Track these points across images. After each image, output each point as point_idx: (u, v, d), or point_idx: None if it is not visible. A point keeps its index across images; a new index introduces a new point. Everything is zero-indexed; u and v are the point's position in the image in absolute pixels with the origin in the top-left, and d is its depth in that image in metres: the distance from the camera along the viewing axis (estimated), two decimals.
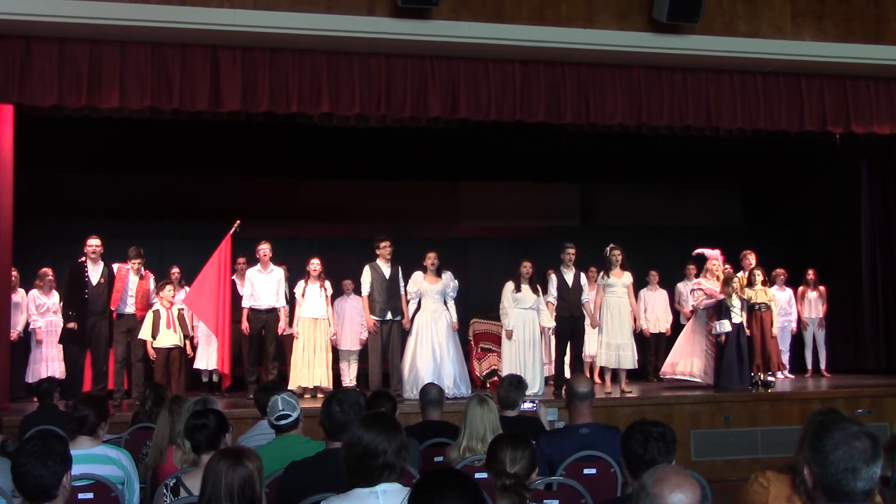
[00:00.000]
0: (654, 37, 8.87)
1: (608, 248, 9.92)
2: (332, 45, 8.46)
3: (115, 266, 9.56)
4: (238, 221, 10.24)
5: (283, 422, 4.51)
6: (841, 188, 13.19)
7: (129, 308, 9.56)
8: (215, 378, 11.10)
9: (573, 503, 4.16)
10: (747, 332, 10.24)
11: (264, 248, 10.02)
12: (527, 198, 14.23)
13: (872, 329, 12.44)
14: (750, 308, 10.58)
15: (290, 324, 10.17)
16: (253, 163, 12.23)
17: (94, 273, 9.18)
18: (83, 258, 9.20)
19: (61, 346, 9.51)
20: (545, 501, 3.93)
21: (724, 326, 9.91)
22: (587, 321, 10.00)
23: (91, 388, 9.01)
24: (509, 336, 9.78)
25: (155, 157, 11.82)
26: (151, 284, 9.80)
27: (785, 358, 11.74)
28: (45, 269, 10.33)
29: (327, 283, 10.12)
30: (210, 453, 3.64)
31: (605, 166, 13.31)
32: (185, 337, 9.84)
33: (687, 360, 10.42)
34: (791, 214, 14.37)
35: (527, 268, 9.88)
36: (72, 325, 9.03)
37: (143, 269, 9.66)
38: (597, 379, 10.81)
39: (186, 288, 11.00)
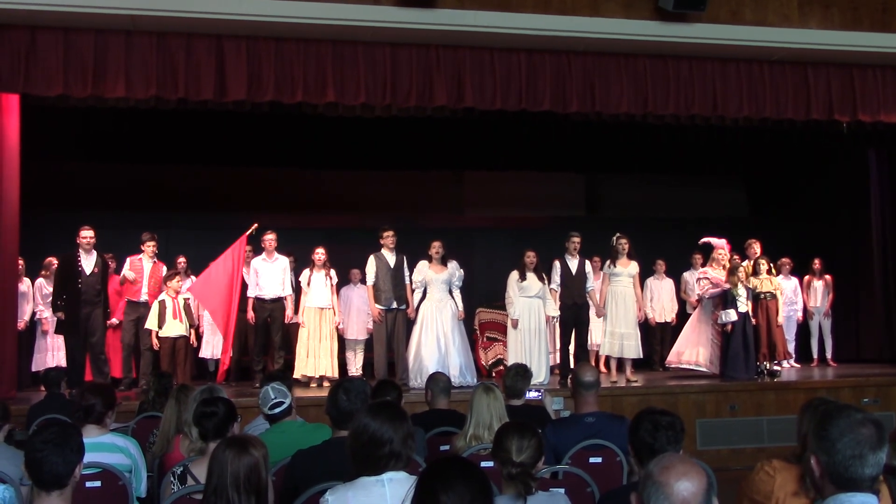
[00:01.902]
0: (661, 25, 8.84)
1: (614, 238, 9.92)
2: (338, 34, 8.44)
3: (128, 260, 9.65)
4: (256, 224, 10.21)
5: (277, 409, 4.57)
6: (848, 177, 13.15)
7: (143, 296, 9.65)
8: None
9: (579, 492, 4.16)
10: (753, 321, 10.23)
11: (270, 238, 10.04)
12: (532, 187, 14.21)
13: (879, 318, 12.42)
14: (755, 297, 10.56)
15: (296, 312, 10.18)
16: (258, 152, 12.21)
17: (87, 263, 9.21)
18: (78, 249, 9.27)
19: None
20: (551, 490, 3.94)
21: (730, 315, 9.91)
22: (592, 309, 10.01)
23: (91, 377, 9.02)
24: (514, 325, 9.79)
25: (160, 146, 11.81)
26: (163, 271, 9.87)
27: (791, 347, 11.72)
28: (50, 259, 10.35)
29: (332, 272, 10.12)
30: (217, 441, 3.65)
31: (610, 156, 13.27)
32: (191, 326, 9.86)
33: (693, 350, 10.42)
34: (797, 203, 14.33)
35: (530, 257, 9.88)
36: (59, 314, 9.09)
37: (156, 254, 9.76)
38: (602, 368, 10.81)
39: (193, 277, 11.03)
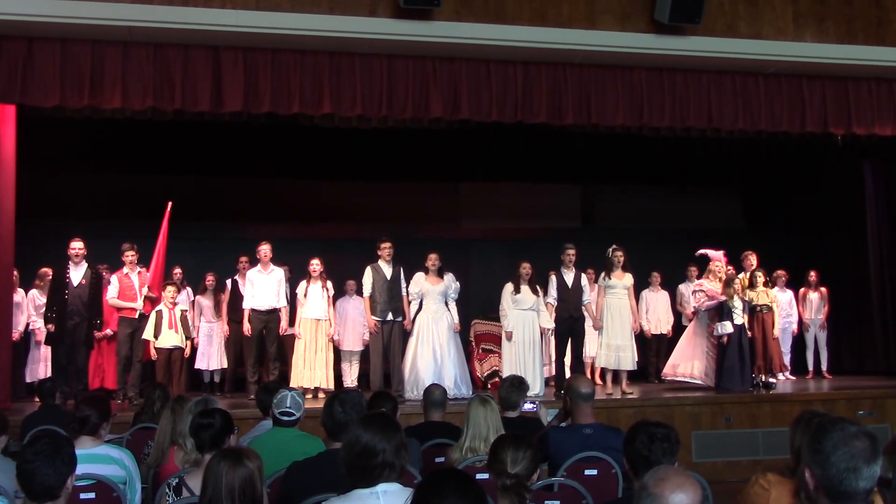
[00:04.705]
0: (656, 38, 8.87)
1: (610, 249, 9.92)
2: (334, 45, 8.46)
3: (115, 276, 9.62)
4: (170, 203, 10.41)
5: (285, 418, 4.66)
6: (843, 189, 13.19)
7: (138, 311, 9.62)
8: (217, 378, 11.13)
9: None
10: (749, 333, 10.24)
11: (264, 249, 10.01)
12: (528, 199, 14.23)
13: (875, 330, 12.43)
14: (751, 309, 10.57)
15: (291, 324, 10.16)
16: (255, 164, 12.22)
17: (76, 275, 9.20)
18: (69, 261, 9.27)
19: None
20: (546, 502, 3.94)
21: (726, 328, 9.91)
22: (587, 322, 10.01)
23: (73, 387, 8.99)
24: (509, 337, 9.79)
25: (157, 157, 11.83)
26: (147, 277, 9.86)
27: (786, 359, 11.73)
28: (45, 269, 10.33)
29: (329, 284, 10.10)
30: (213, 453, 3.65)
31: (606, 167, 13.31)
32: (187, 338, 9.84)
33: (688, 362, 10.41)
34: (792, 216, 14.37)
35: (526, 269, 9.89)
36: (49, 325, 9.09)
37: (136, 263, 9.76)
38: (597, 380, 10.81)
39: (189, 289, 11.04)
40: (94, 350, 9.78)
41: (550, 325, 9.99)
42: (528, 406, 6.26)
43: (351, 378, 10.94)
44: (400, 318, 9.76)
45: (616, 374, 10.01)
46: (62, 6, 7.72)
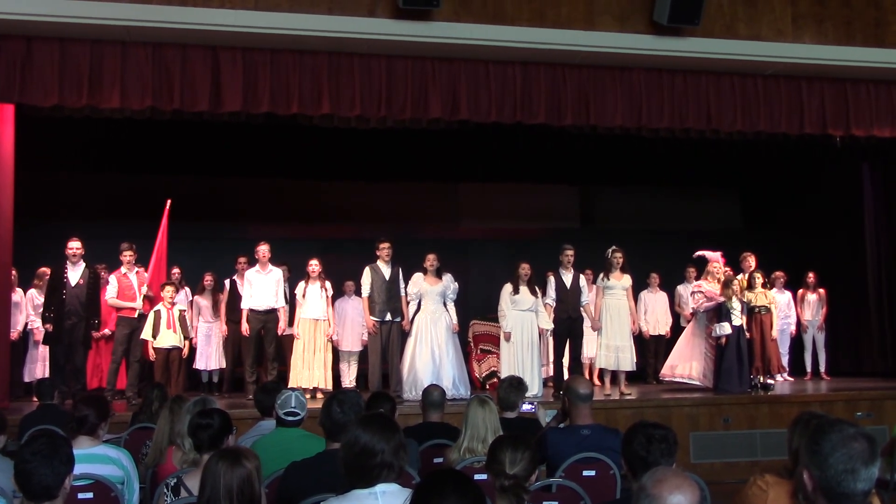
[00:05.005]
0: (655, 39, 8.87)
1: (610, 250, 9.92)
2: (333, 46, 8.46)
3: (113, 276, 9.62)
4: (169, 200, 10.59)
5: (290, 418, 4.70)
6: (842, 191, 13.19)
7: (137, 311, 9.61)
8: (215, 378, 11.13)
9: None
10: (747, 334, 10.24)
11: (263, 249, 9.98)
12: (527, 199, 14.25)
13: (873, 332, 12.43)
14: (750, 311, 10.57)
15: (290, 324, 10.15)
16: (253, 164, 12.23)
17: (74, 274, 9.20)
18: (66, 260, 9.27)
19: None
20: (544, 503, 3.94)
21: (724, 329, 9.91)
22: (586, 323, 10.01)
23: (71, 387, 8.99)
24: (507, 338, 9.79)
25: (155, 157, 11.83)
26: (145, 277, 9.86)
27: (784, 360, 11.74)
28: (43, 269, 10.33)
29: (328, 284, 10.08)
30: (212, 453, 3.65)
31: (605, 168, 13.33)
32: (186, 338, 9.84)
33: (686, 363, 10.42)
34: (791, 217, 14.37)
35: (525, 269, 9.89)
36: (47, 325, 9.09)
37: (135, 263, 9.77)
38: (596, 381, 10.82)
39: (187, 289, 11.03)
40: (91, 350, 9.78)
41: (549, 325, 9.99)
42: (526, 407, 6.26)
43: (349, 378, 10.94)
44: (398, 319, 9.76)
45: (615, 375, 10.01)
46: (61, 6, 7.72)
